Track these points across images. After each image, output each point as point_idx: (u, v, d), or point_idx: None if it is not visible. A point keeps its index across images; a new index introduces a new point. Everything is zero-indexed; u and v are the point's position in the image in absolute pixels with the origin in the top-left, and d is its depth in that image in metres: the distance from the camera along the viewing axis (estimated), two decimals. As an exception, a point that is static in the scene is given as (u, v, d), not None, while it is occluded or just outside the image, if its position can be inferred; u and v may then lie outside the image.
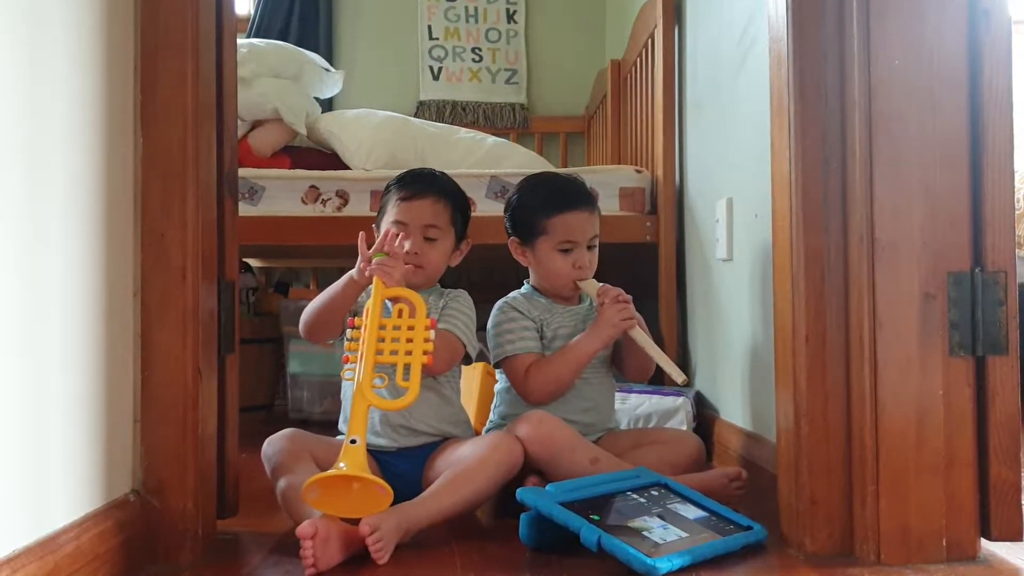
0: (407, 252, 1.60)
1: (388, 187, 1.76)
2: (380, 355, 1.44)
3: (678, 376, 1.66)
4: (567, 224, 1.78)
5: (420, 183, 1.71)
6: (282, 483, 1.46)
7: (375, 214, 1.83)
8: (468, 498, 1.45)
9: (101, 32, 1.19)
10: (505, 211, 1.90)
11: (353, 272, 1.57)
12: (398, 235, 1.59)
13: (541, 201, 1.82)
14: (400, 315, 1.48)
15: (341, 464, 1.32)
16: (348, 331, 1.51)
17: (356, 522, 1.30)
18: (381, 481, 1.32)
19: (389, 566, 1.27)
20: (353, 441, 1.34)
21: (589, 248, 1.80)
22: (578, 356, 1.73)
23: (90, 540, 1.10)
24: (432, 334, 1.47)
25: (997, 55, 1.30)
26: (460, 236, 1.75)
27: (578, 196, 1.83)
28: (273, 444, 1.53)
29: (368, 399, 1.39)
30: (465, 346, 1.68)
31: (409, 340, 1.46)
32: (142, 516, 1.26)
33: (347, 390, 1.70)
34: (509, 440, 1.55)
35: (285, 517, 1.56)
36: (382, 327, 1.47)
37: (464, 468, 1.47)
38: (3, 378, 0.97)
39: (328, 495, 1.32)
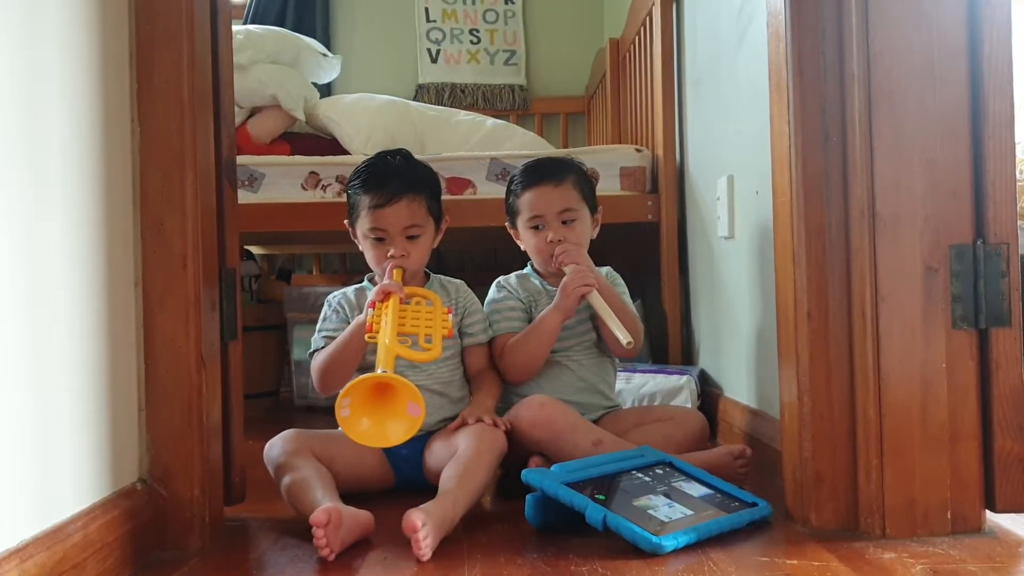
0: (391, 256, 1.64)
1: (352, 184, 1.71)
2: (403, 326, 1.49)
3: (624, 337, 1.63)
4: (530, 200, 1.81)
5: (389, 186, 1.65)
6: (286, 480, 1.46)
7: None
8: (477, 492, 1.44)
9: (96, 21, 1.19)
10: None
11: (361, 317, 1.58)
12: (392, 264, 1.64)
13: (515, 184, 1.86)
14: (418, 304, 1.58)
15: (379, 370, 1.33)
16: (370, 311, 1.53)
17: (362, 502, 1.31)
18: (416, 391, 1.30)
19: (398, 546, 1.27)
20: (383, 371, 1.33)
21: (565, 223, 1.80)
22: (543, 330, 1.74)
23: (98, 529, 1.11)
24: (451, 317, 1.57)
25: (997, 26, 1.29)
26: (438, 219, 1.74)
27: (543, 172, 1.84)
28: (273, 447, 1.54)
29: (395, 350, 1.41)
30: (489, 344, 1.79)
31: (429, 318, 1.54)
32: (149, 504, 1.27)
33: None
34: (492, 432, 1.55)
35: (292, 502, 1.58)
36: (402, 309, 1.53)
37: (466, 467, 1.44)
38: (7, 370, 0.97)
39: (357, 416, 1.32)
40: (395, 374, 1.34)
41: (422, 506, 1.27)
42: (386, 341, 1.43)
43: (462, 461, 1.45)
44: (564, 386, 1.79)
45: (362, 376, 1.32)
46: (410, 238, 1.66)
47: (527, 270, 1.90)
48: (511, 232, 1.91)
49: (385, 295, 1.54)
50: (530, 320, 1.81)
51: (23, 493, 1.00)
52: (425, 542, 1.23)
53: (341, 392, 1.31)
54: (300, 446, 1.52)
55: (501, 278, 1.89)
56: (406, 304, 1.56)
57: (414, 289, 1.63)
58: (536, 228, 1.81)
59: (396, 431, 1.33)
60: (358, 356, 1.62)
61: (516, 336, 1.78)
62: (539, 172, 1.85)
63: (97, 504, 1.15)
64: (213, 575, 1.21)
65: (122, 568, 1.17)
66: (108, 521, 1.14)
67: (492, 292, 1.87)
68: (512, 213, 1.87)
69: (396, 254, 1.64)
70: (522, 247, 1.89)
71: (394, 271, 1.63)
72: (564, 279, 1.74)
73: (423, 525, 1.23)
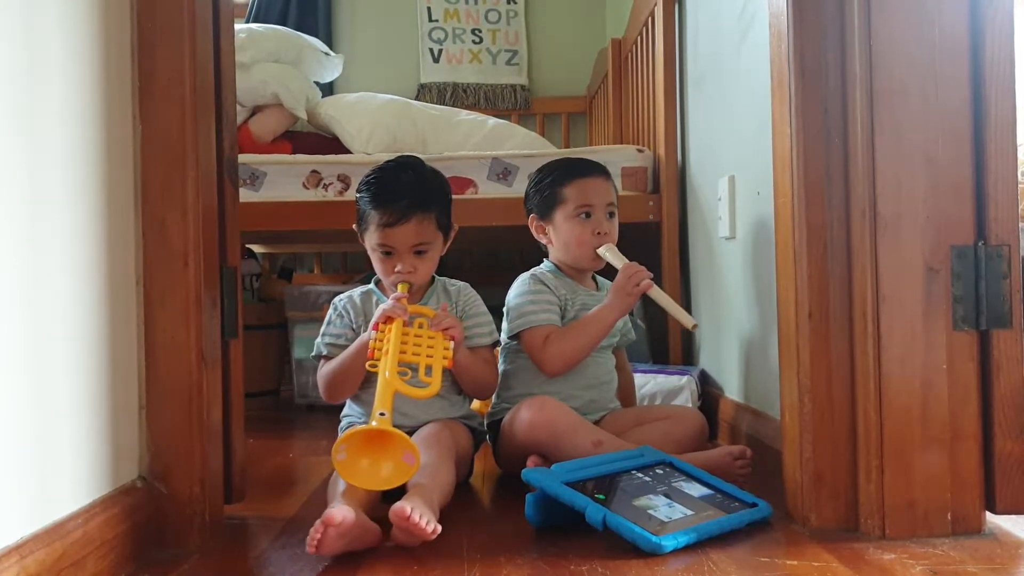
0: (398, 272, 1.65)
1: (362, 195, 1.69)
2: (403, 355, 1.50)
3: (689, 321, 1.68)
4: (583, 189, 1.81)
5: (399, 204, 1.63)
6: (335, 472, 1.46)
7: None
8: (448, 484, 1.45)
9: (97, 18, 1.19)
10: (525, 201, 1.92)
11: (365, 335, 1.60)
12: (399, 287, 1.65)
13: (556, 174, 1.85)
14: (420, 326, 1.58)
15: (373, 422, 1.34)
16: (373, 333, 1.55)
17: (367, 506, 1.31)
18: (411, 443, 1.33)
19: (394, 549, 1.27)
20: (382, 414, 1.36)
21: (609, 216, 1.82)
22: (598, 326, 1.74)
23: (98, 526, 1.11)
24: (452, 344, 1.56)
25: (999, 27, 1.29)
26: (447, 230, 1.73)
27: (592, 164, 1.88)
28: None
29: (395, 385, 1.43)
30: (494, 348, 1.77)
31: (431, 346, 1.55)
32: (149, 502, 1.27)
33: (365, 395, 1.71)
34: (447, 432, 1.58)
35: (292, 502, 1.58)
36: (404, 332, 1.54)
37: (431, 465, 1.45)
38: (8, 368, 0.97)
39: (355, 457, 1.33)
40: (391, 424, 1.34)
41: (401, 502, 1.27)
42: (386, 374, 1.44)
43: (425, 462, 1.45)
44: (576, 383, 1.79)
45: (358, 428, 1.34)
46: (418, 253, 1.66)
47: (551, 267, 1.87)
48: (535, 224, 1.88)
49: (388, 319, 1.54)
50: (563, 317, 1.80)
51: (23, 490, 1.00)
52: (423, 520, 1.23)
53: (338, 439, 1.33)
54: None
55: (536, 271, 1.85)
56: (409, 326, 1.56)
57: (417, 308, 1.62)
58: (585, 217, 1.80)
59: (391, 475, 1.34)
60: (362, 373, 1.62)
61: (565, 327, 1.76)
62: (587, 164, 1.87)
63: (97, 501, 1.15)
64: (213, 573, 1.21)
65: (122, 565, 1.17)
66: (108, 518, 1.14)
67: (527, 284, 1.81)
68: (547, 204, 1.84)
69: (404, 270, 1.65)
70: (544, 240, 1.88)
71: (400, 286, 1.63)
72: (617, 279, 1.75)
73: (412, 510, 1.23)
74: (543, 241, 1.89)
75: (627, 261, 1.78)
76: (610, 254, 1.79)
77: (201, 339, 1.31)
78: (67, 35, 1.12)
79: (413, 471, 1.33)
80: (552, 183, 1.84)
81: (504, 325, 1.83)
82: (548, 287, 1.81)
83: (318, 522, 1.20)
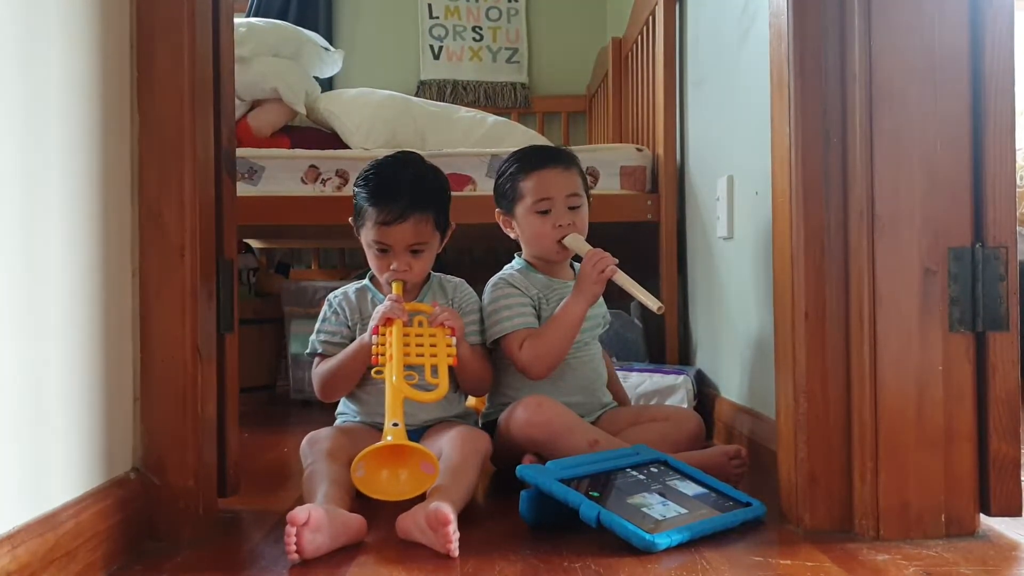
0: (394, 269, 1.64)
1: (359, 190, 1.68)
2: (407, 357, 1.51)
3: (654, 304, 1.61)
4: (540, 182, 1.76)
5: (397, 203, 1.61)
6: (306, 472, 1.47)
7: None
8: (468, 493, 1.43)
9: (96, 9, 1.19)
10: (493, 195, 1.89)
11: (364, 336, 1.60)
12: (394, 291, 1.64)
13: (515, 167, 1.81)
14: (420, 324, 1.57)
15: (389, 437, 1.34)
16: (374, 337, 1.54)
17: (360, 511, 1.30)
18: (430, 453, 1.34)
19: (388, 545, 1.27)
20: (395, 424, 1.36)
21: (571, 208, 1.77)
22: (568, 320, 1.69)
23: (90, 517, 1.11)
24: (454, 340, 1.56)
25: (999, 30, 1.29)
26: (445, 229, 1.71)
27: (549, 155, 1.82)
28: (313, 441, 1.55)
29: (404, 391, 1.44)
30: (486, 345, 1.76)
31: (433, 344, 1.55)
32: (142, 494, 1.27)
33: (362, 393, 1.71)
34: (475, 434, 1.57)
35: (285, 496, 1.58)
36: (405, 333, 1.54)
37: (454, 470, 1.43)
38: (2, 357, 0.97)
39: (373, 472, 1.34)
40: (406, 434, 1.35)
41: (440, 502, 1.26)
42: (393, 379, 1.45)
43: (450, 465, 1.44)
44: (566, 386, 1.77)
45: (375, 445, 1.33)
46: (414, 252, 1.65)
47: (521, 264, 1.84)
48: (502, 220, 1.85)
49: (388, 321, 1.54)
50: (539, 316, 1.76)
51: (16, 480, 0.99)
52: (454, 536, 1.22)
53: (356, 457, 1.33)
54: (336, 446, 1.51)
55: (505, 274, 1.81)
56: (408, 326, 1.56)
57: (415, 306, 1.62)
58: (543, 213, 1.75)
59: (408, 483, 1.36)
60: (360, 374, 1.62)
61: (539, 328, 1.73)
62: (545, 155, 1.82)
63: (90, 493, 1.15)
64: (205, 566, 1.21)
65: (114, 557, 1.17)
66: (101, 510, 1.14)
67: (496, 289, 1.77)
68: (509, 199, 1.81)
69: (399, 269, 1.63)
70: (512, 235, 1.85)
71: (395, 285, 1.63)
72: (583, 268, 1.70)
73: (453, 523, 1.22)
74: (512, 236, 1.85)
75: (591, 249, 1.72)
76: (576, 244, 1.75)
77: (196, 332, 1.31)
78: (66, 25, 1.11)
79: (432, 480, 1.34)
80: (511, 176, 1.80)
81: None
82: (518, 288, 1.76)
83: (287, 527, 1.19)
